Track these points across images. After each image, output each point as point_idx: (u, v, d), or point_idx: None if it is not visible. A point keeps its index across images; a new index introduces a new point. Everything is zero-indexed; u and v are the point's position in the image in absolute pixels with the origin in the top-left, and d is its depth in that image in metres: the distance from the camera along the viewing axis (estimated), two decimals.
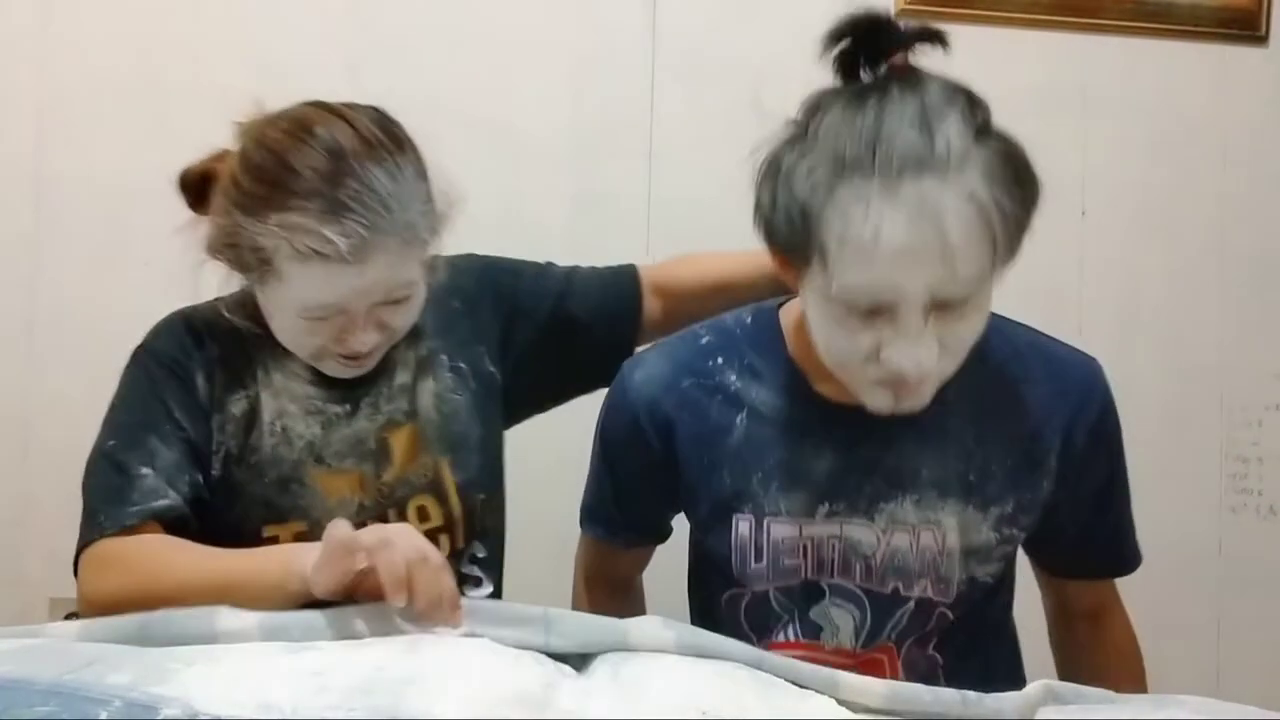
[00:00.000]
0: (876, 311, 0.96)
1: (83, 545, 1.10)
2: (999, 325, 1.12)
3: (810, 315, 1.04)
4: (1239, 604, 1.95)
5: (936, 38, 1.01)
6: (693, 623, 1.14)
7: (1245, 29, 1.93)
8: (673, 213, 1.85)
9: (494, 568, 1.25)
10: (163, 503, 1.09)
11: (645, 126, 1.86)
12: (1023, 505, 1.13)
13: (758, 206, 1.03)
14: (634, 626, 0.91)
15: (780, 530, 1.12)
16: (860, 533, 1.11)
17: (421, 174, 1.11)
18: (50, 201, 1.79)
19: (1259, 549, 1.96)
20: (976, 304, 0.98)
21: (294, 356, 1.18)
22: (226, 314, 1.17)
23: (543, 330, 1.28)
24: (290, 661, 0.81)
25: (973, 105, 0.97)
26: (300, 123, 1.09)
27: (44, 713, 0.69)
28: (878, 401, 1.03)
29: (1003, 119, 2.08)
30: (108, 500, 1.10)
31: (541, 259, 1.82)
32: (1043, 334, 1.18)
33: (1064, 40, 1.91)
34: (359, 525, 1.09)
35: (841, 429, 1.11)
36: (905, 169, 0.91)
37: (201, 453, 1.14)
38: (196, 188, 1.15)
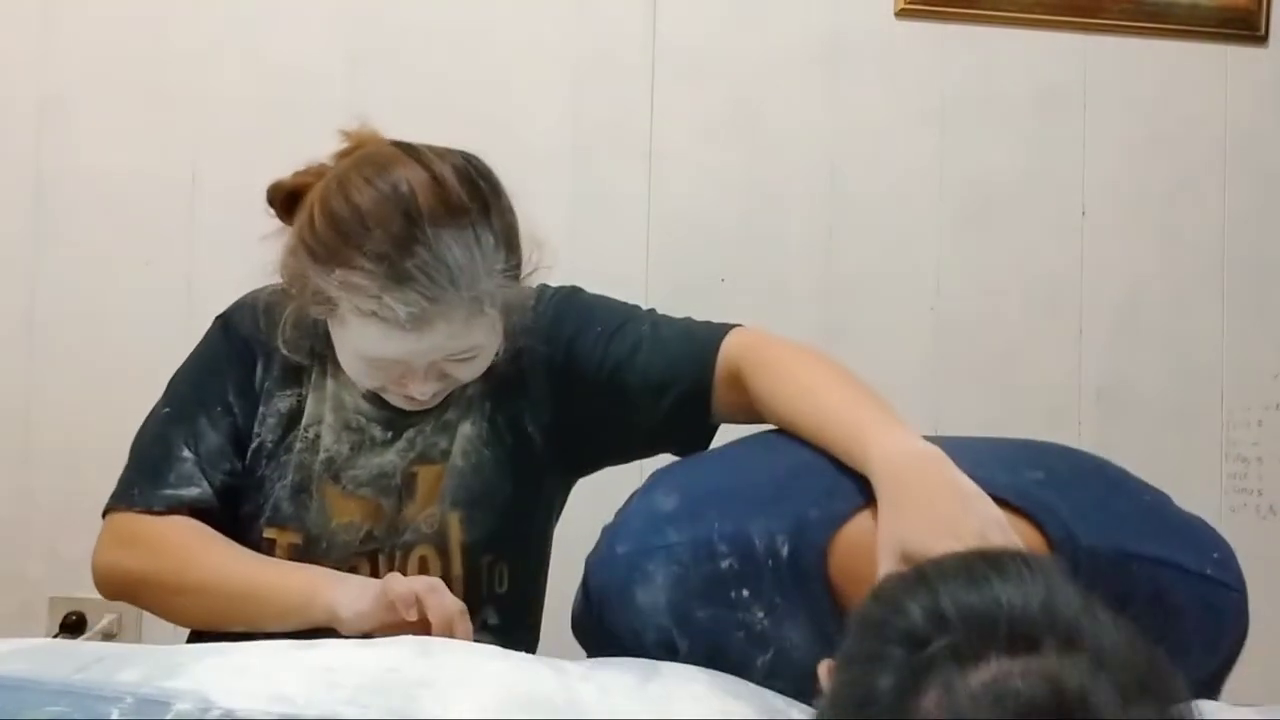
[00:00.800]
0: None
1: (111, 508, 1.13)
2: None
3: None
4: None
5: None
6: None
7: (1245, 29, 1.93)
8: (673, 213, 1.85)
9: (511, 637, 1.09)
10: (194, 491, 1.11)
11: (645, 127, 1.86)
12: None
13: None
14: None
15: None
16: None
17: (505, 235, 1.05)
18: (50, 201, 1.79)
19: (1258, 548, 1.95)
20: None
21: None
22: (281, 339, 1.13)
23: (598, 395, 1.14)
24: (301, 656, 0.81)
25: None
26: (384, 172, 1.03)
27: (55, 713, 0.69)
28: None
29: (1003, 118, 2.10)
30: (144, 474, 1.13)
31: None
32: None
33: (1064, 40, 1.91)
34: (363, 554, 1.13)
35: None
36: None
37: (243, 439, 1.14)
38: (285, 203, 1.11)
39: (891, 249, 1.90)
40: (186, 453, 1.12)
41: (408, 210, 1.00)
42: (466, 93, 1.83)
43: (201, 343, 1.19)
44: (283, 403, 1.14)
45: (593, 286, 1.83)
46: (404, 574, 1.06)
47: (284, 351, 1.13)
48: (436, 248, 0.99)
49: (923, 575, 0.68)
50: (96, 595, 1.16)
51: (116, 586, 1.14)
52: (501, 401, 1.16)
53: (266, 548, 1.12)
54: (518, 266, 1.07)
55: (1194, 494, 1.95)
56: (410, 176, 1.02)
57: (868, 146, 1.88)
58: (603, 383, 1.13)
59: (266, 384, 1.14)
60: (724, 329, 1.14)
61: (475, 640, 1.00)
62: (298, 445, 1.13)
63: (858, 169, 1.88)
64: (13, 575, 1.76)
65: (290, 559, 1.11)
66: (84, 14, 1.79)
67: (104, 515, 1.14)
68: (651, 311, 1.20)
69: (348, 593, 1.01)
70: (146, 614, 1.69)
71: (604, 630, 0.99)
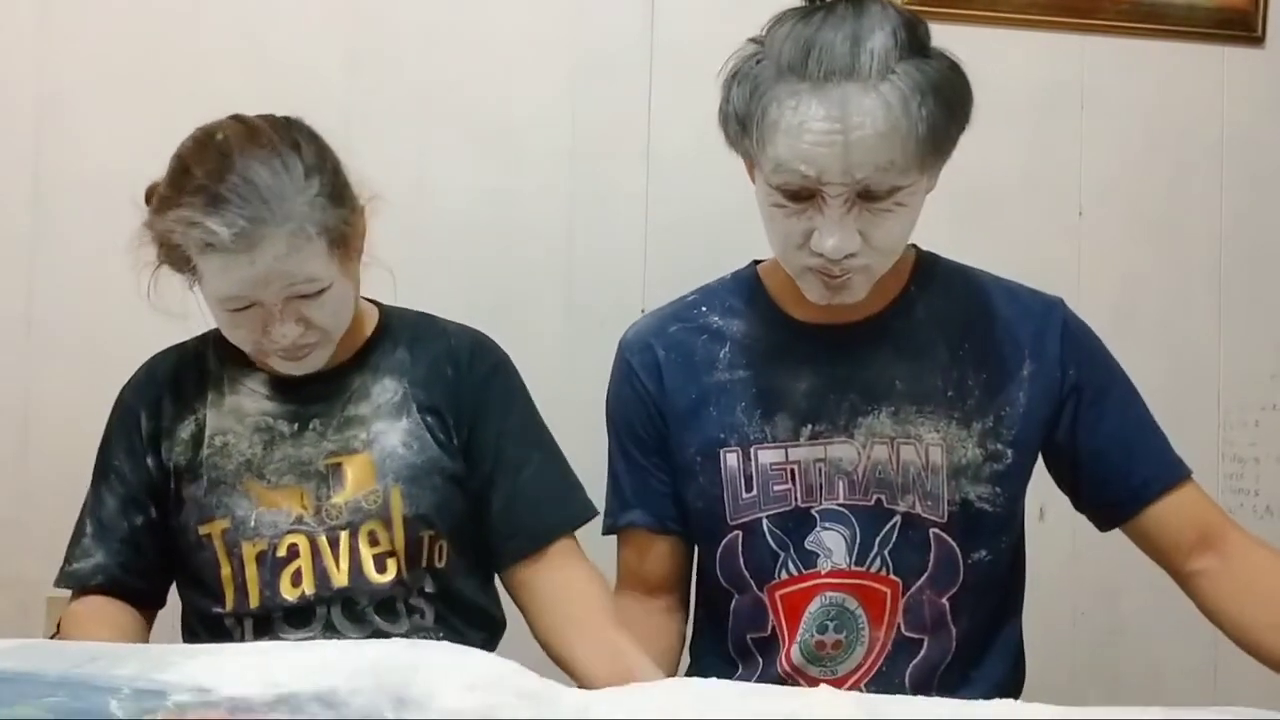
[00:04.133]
0: (807, 198, 1.10)
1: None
2: (962, 266, 1.29)
3: (761, 211, 1.17)
4: None
5: None
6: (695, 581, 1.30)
7: (1242, 30, 1.94)
8: (671, 213, 1.86)
9: (444, 604, 1.27)
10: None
11: (643, 127, 1.86)
12: (1002, 420, 1.20)
13: (720, 108, 1.16)
14: None
15: (767, 457, 1.21)
16: (842, 450, 1.20)
17: (316, 171, 1.17)
18: (49, 201, 1.80)
19: None
20: (900, 202, 1.10)
21: (256, 375, 1.28)
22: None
23: (475, 474, 1.29)
24: (294, 654, 0.83)
25: (908, 29, 1.09)
26: (207, 130, 1.19)
27: (54, 703, 0.70)
28: (814, 292, 1.16)
29: (1001, 118, 2.09)
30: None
31: (540, 259, 1.84)
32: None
33: (1062, 40, 1.91)
34: (295, 533, 1.22)
35: (817, 347, 1.22)
36: (832, 75, 1.06)
37: (139, 493, 1.27)
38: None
39: None
40: None
41: (219, 148, 1.14)
42: (466, 93, 1.83)
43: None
44: (184, 430, 1.27)
45: (592, 286, 1.84)
46: (354, 549, 1.21)
47: (200, 347, 1.30)
48: (246, 173, 1.12)
49: None
50: None
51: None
52: (439, 408, 1.28)
53: (204, 543, 1.23)
54: (337, 196, 1.18)
55: None
56: (224, 126, 1.18)
57: None
58: (485, 470, 1.27)
59: (163, 425, 1.28)
60: (578, 522, 1.27)
61: (414, 606, 1.23)
62: (206, 453, 1.26)
63: None
64: (10, 575, 1.76)
65: (224, 544, 1.23)
66: (82, 14, 1.79)
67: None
68: (550, 440, 1.32)
69: None
70: None
71: (612, 446, 1.31)
